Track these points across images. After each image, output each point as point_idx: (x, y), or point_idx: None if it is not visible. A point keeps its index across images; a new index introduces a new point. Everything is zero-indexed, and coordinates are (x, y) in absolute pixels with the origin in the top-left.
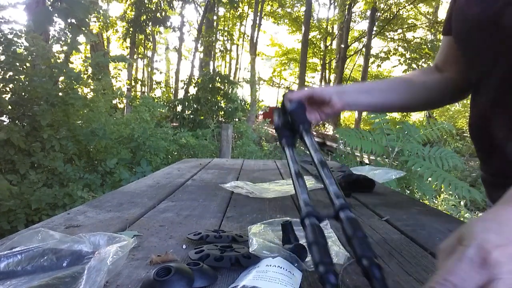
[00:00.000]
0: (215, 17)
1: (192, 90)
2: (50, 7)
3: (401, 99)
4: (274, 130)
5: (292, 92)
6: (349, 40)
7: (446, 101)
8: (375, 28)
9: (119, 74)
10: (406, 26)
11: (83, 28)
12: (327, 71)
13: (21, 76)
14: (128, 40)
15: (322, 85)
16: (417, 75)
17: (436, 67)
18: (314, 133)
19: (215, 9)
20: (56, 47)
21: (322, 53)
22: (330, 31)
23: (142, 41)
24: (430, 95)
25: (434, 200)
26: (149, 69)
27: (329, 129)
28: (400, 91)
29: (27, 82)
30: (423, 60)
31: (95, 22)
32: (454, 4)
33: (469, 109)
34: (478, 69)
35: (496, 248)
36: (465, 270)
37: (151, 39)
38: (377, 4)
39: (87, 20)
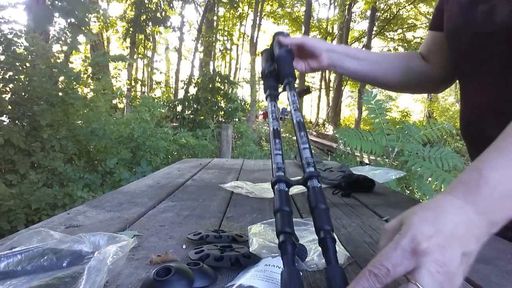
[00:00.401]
0: (215, 17)
1: (192, 90)
2: (50, 6)
3: (383, 74)
4: None
5: (284, 35)
6: (349, 40)
7: (422, 88)
8: (375, 28)
9: (119, 74)
10: (406, 26)
11: (83, 28)
12: (327, 71)
13: (21, 76)
14: (128, 40)
15: (323, 86)
16: (405, 57)
17: (421, 55)
18: (314, 133)
19: (215, 9)
20: (56, 47)
21: None
22: (330, 31)
23: (142, 41)
24: (410, 78)
25: None
26: (149, 69)
27: (329, 129)
28: (385, 67)
29: (27, 82)
30: None
31: (95, 22)
32: (446, 5)
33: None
34: (469, 69)
35: (426, 239)
36: (397, 257)
37: (151, 39)
38: (377, 4)
39: (86, 19)
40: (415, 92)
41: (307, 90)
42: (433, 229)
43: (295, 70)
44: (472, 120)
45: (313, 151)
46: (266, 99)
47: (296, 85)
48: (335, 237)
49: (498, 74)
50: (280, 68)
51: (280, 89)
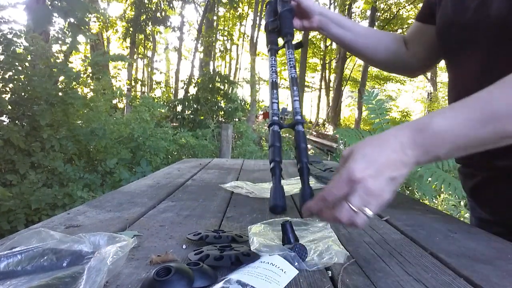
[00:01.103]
0: (215, 17)
1: (192, 90)
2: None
3: (365, 48)
4: None
5: None
6: None
7: (398, 70)
8: (375, 28)
9: (118, 73)
10: (406, 26)
11: (82, 28)
12: (327, 71)
13: (20, 76)
14: (128, 40)
15: (323, 86)
16: (390, 38)
17: (403, 38)
18: (314, 133)
19: (215, 9)
20: (55, 47)
21: (322, 53)
22: None
23: (142, 41)
24: (390, 58)
25: (434, 200)
26: (149, 69)
27: (329, 129)
28: (369, 42)
29: (26, 82)
30: None
31: (95, 22)
32: (439, 3)
33: None
34: (458, 61)
35: (360, 171)
36: (339, 184)
37: (151, 39)
38: (377, 4)
39: (86, 19)
40: (391, 71)
41: (299, 44)
42: (368, 164)
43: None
44: None
45: (313, 151)
46: (268, 53)
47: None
48: (307, 163)
49: (486, 66)
50: (281, 25)
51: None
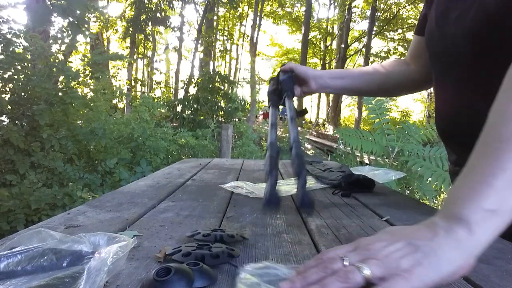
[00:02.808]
0: (215, 17)
1: (192, 90)
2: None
3: (365, 86)
4: None
5: (288, 65)
6: (349, 40)
7: (405, 91)
8: (375, 28)
9: (117, 72)
10: (406, 26)
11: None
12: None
13: (20, 76)
14: (128, 40)
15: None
16: (387, 66)
17: (405, 61)
18: (314, 133)
19: (215, 9)
20: (55, 47)
21: (322, 53)
22: (330, 31)
23: (142, 41)
24: (389, 85)
25: (434, 200)
26: (149, 69)
27: (329, 129)
28: (365, 79)
29: (26, 82)
30: None
31: (95, 22)
32: (428, 11)
33: None
34: (441, 69)
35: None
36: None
37: (151, 39)
38: (377, 3)
39: (85, 18)
40: (397, 94)
41: (304, 111)
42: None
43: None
44: (444, 116)
45: (313, 151)
46: (268, 108)
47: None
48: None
49: (466, 74)
50: (282, 87)
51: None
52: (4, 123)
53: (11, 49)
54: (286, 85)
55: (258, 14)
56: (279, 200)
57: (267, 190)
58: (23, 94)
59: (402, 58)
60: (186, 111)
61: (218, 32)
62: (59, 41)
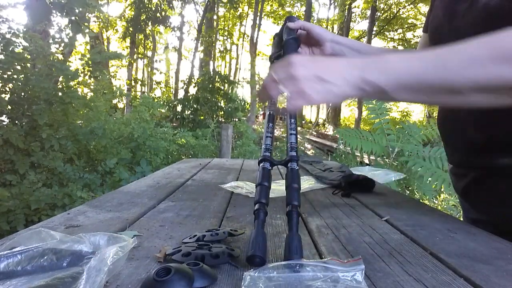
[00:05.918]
0: (215, 17)
1: (192, 90)
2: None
3: None
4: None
5: (294, 20)
6: None
7: None
8: (375, 28)
9: (117, 71)
10: (406, 26)
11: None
12: None
13: (20, 76)
14: (128, 39)
15: None
16: None
17: None
18: (314, 133)
19: (215, 9)
20: (54, 46)
21: None
22: (330, 31)
23: (142, 41)
24: None
25: (434, 200)
26: (149, 69)
27: (329, 129)
28: None
29: (25, 81)
30: None
31: (95, 22)
32: (434, 8)
33: None
34: None
35: (299, 60)
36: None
37: (151, 39)
38: (377, 3)
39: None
40: None
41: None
42: (309, 60)
43: None
44: (448, 115)
45: (312, 151)
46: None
47: None
48: (297, 208)
49: None
50: (284, 53)
51: None
52: (4, 123)
53: (10, 49)
54: (291, 49)
55: (258, 14)
56: (264, 260)
57: (252, 240)
58: (22, 94)
59: None
60: (186, 111)
61: (218, 32)
62: (59, 40)
